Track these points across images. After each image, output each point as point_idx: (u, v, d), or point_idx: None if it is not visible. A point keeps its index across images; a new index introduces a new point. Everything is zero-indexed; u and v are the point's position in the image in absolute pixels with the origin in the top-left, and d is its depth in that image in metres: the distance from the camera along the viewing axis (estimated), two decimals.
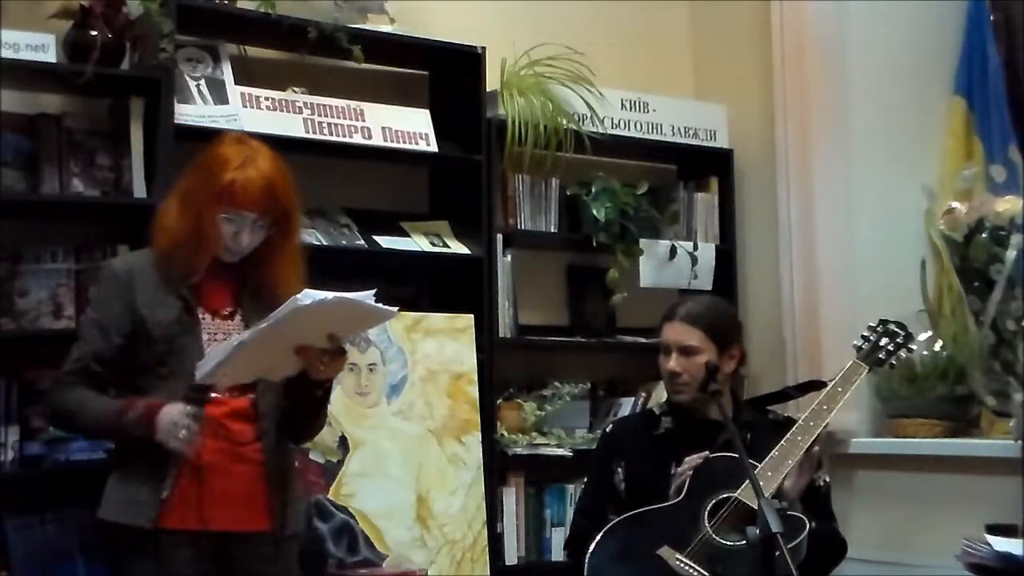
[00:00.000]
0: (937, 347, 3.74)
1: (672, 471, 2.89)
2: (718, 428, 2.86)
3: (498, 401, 3.76)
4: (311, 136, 3.48)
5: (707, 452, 2.84)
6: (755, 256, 4.22)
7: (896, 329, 3.09)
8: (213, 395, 2.54)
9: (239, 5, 3.46)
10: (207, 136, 3.19)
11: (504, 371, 3.78)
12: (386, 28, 3.70)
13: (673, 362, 2.97)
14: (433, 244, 3.72)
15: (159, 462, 2.48)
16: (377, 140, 3.61)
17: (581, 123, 3.93)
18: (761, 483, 2.55)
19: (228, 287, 2.64)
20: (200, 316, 2.59)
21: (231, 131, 2.71)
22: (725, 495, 2.74)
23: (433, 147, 3.70)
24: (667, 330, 3.01)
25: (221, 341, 2.56)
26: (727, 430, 2.67)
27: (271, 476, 2.60)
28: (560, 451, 3.81)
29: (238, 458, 2.57)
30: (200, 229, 2.53)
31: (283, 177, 2.58)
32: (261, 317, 2.58)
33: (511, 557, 3.74)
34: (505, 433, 3.75)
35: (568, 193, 4.02)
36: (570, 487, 3.87)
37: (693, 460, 2.84)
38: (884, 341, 3.06)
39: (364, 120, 3.61)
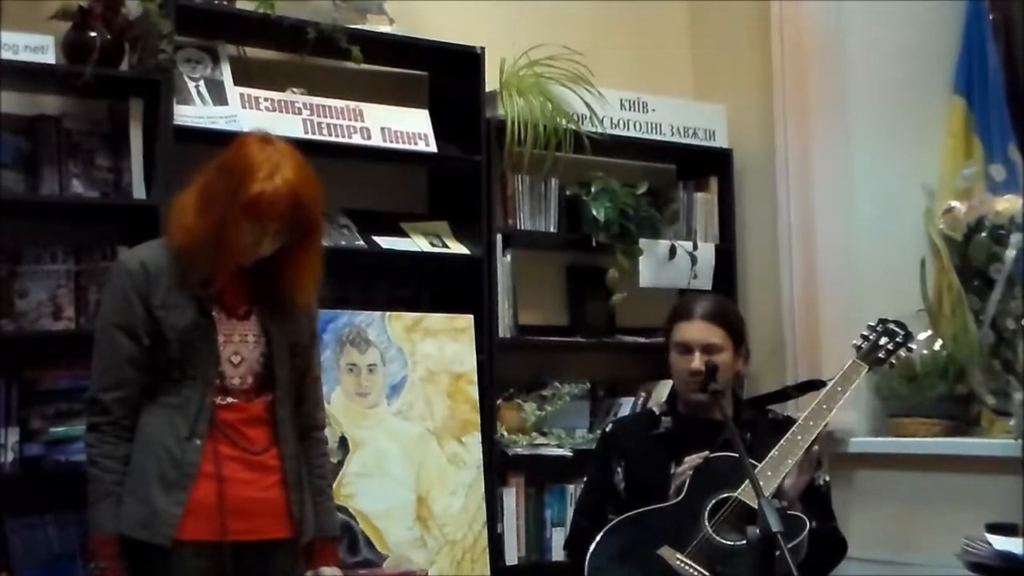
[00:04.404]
0: (937, 346, 3.74)
1: (672, 471, 2.89)
2: (718, 428, 2.86)
3: (498, 401, 3.76)
4: (310, 137, 3.47)
5: (707, 452, 2.84)
6: (755, 256, 4.22)
7: (896, 328, 3.08)
8: (229, 400, 2.53)
9: (238, 6, 3.46)
10: (206, 137, 3.22)
11: (504, 371, 3.78)
12: (385, 28, 3.70)
13: (697, 361, 2.94)
14: (433, 244, 3.72)
15: (176, 475, 2.46)
16: (376, 140, 3.61)
17: (580, 123, 3.93)
18: (761, 483, 2.55)
19: (242, 285, 2.57)
20: (215, 316, 2.53)
21: (256, 130, 2.60)
22: (725, 495, 2.73)
23: (432, 147, 3.70)
24: (686, 329, 2.99)
25: (236, 342, 2.55)
26: (727, 430, 2.67)
27: (289, 482, 2.57)
28: (560, 451, 3.81)
29: (255, 466, 2.54)
30: (222, 236, 2.44)
31: (309, 186, 2.50)
32: (276, 319, 2.57)
33: (511, 557, 3.74)
34: (505, 433, 3.75)
35: (568, 193, 4.02)
36: (570, 487, 3.87)
37: (693, 460, 2.84)
38: (884, 340, 3.06)
39: (363, 121, 3.61)
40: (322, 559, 2.66)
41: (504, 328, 3.77)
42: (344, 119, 3.58)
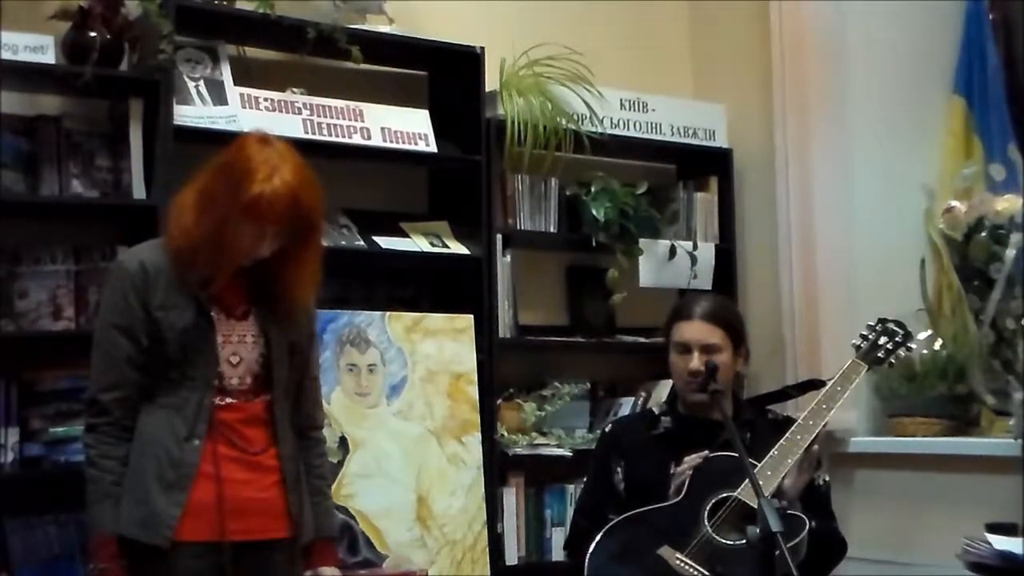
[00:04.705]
0: (937, 346, 3.74)
1: (672, 471, 2.89)
2: (718, 428, 2.86)
3: (498, 401, 3.76)
4: (310, 137, 3.47)
5: (707, 451, 2.84)
6: (755, 256, 4.22)
7: (895, 328, 3.09)
8: (227, 400, 2.53)
9: (238, 6, 3.46)
10: (206, 137, 3.22)
11: (504, 371, 3.78)
12: (385, 28, 3.70)
13: (696, 361, 2.95)
14: (433, 244, 3.72)
15: (175, 476, 2.45)
16: (376, 141, 3.61)
17: (580, 123, 3.93)
18: (761, 482, 2.55)
19: (240, 285, 2.56)
20: (214, 317, 2.52)
21: (256, 130, 2.59)
22: (725, 494, 2.73)
23: (432, 147, 3.70)
24: (686, 329, 2.99)
25: (235, 342, 2.54)
26: (727, 429, 2.67)
27: (288, 483, 2.56)
28: (560, 451, 3.81)
29: (254, 466, 2.53)
30: (221, 237, 2.44)
31: (309, 187, 2.48)
32: (274, 320, 2.56)
33: (511, 557, 3.75)
34: (505, 433, 3.75)
35: (567, 193, 4.02)
36: (570, 487, 3.87)
37: (693, 460, 2.84)
38: (883, 340, 3.06)
39: (363, 121, 3.61)
40: (321, 559, 2.66)
41: (504, 328, 3.77)
42: (344, 119, 3.58)
